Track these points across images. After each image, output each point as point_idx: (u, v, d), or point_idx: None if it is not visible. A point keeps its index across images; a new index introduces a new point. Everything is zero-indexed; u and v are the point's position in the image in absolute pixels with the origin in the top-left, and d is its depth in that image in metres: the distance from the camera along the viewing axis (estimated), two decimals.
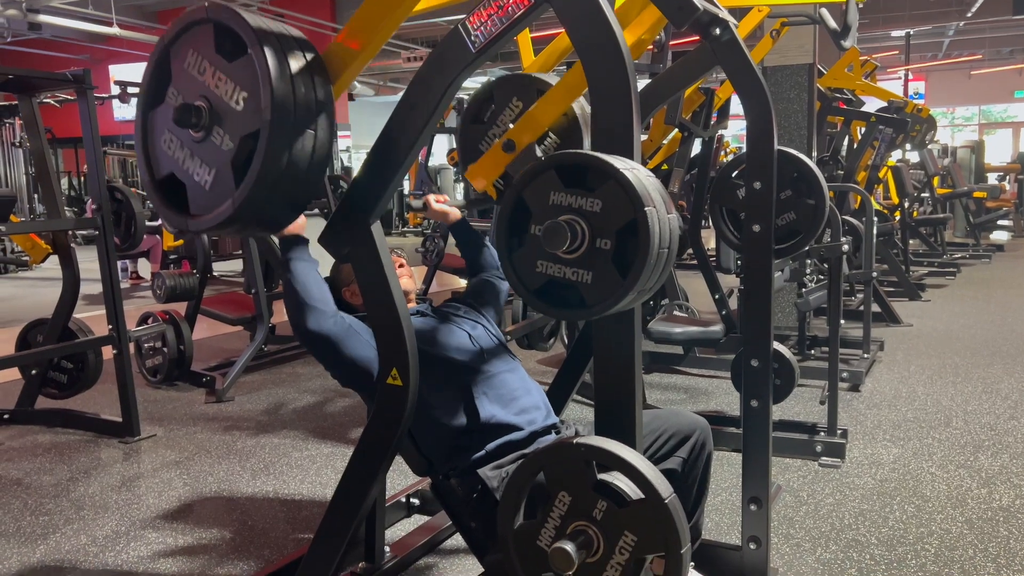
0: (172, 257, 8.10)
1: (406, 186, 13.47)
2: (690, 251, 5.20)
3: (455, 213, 2.33)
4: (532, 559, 1.40)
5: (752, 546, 2.14)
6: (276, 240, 1.96)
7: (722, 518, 2.67)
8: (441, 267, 6.38)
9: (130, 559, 2.53)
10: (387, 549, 2.37)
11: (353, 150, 18.90)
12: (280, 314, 5.53)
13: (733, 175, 2.71)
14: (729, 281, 5.20)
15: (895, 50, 17.35)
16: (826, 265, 3.48)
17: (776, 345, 2.73)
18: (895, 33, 15.68)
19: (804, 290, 4.21)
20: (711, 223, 2.95)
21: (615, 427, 1.43)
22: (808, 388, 4.07)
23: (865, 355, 4.52)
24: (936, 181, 9.80)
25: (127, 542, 2.65)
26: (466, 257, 2.41)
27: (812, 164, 2.53)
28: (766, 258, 2.08)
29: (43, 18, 11.70)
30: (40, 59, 15.37)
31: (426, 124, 1.54)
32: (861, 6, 3.55)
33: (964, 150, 13.05)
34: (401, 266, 2.23)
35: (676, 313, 4.47)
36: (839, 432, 3.21)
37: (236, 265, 8.62)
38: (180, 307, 4.76)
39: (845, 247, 3.27)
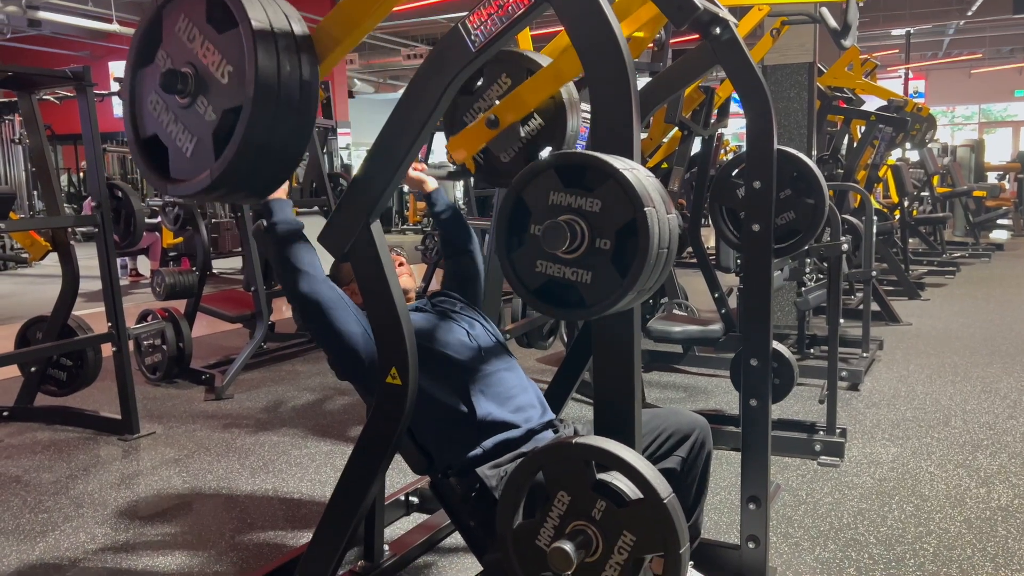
0: (171, 254, 8.07)
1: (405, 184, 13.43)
2: (690, 250, 5.20)
3: (431, 182, 2.34)
4: (531, 558, 1.40)
5: (751, 545, 2.15)
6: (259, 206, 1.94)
7: (721, 517, 2.68)
8: (441, 265, 6.38)
9: (129, 557, 2.53)
10: (386, 547, 2.38)
11: (353, 148, 18.87)
12: (279, 312, 5.53)
13: (733, 174, 2.71)
14: (729, 280, 5.20)
15: (895, 49, 17.35)
16: (825, 264, 3.48)
17: (775, 344, 2.74)
18: (895, 32, 15.68)
19: (803, 289, 4.21)
20: (711, 222, 2.95)
21: (614, 427, 1.43)
22: (807, 387, 4.07)
23: (864, 354, 4.52)
24: (936, 180, 9.81)
25: (126, 539, 2.65)
26: (440, 229, 2.40)
27: (812, 163, 2.53)
28: (765, 257, 2.08)
29: (43, 15, 11.69)
30: (40, 56, 15.35)
31: (426, 123, 1.54)
32: (861, 5, 3.55)
33: (964, 149, 13.05)
34: (401, 264, 2.23)
35: (676, 312, 4.47)
36: (838, 431, 3.22)
37: (235, 262, 8.61)
38: (179, 304, 4.76)
39: (845, 246, 3.27)
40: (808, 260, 4.19)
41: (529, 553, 1.40)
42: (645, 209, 1.22)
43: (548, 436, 1.98)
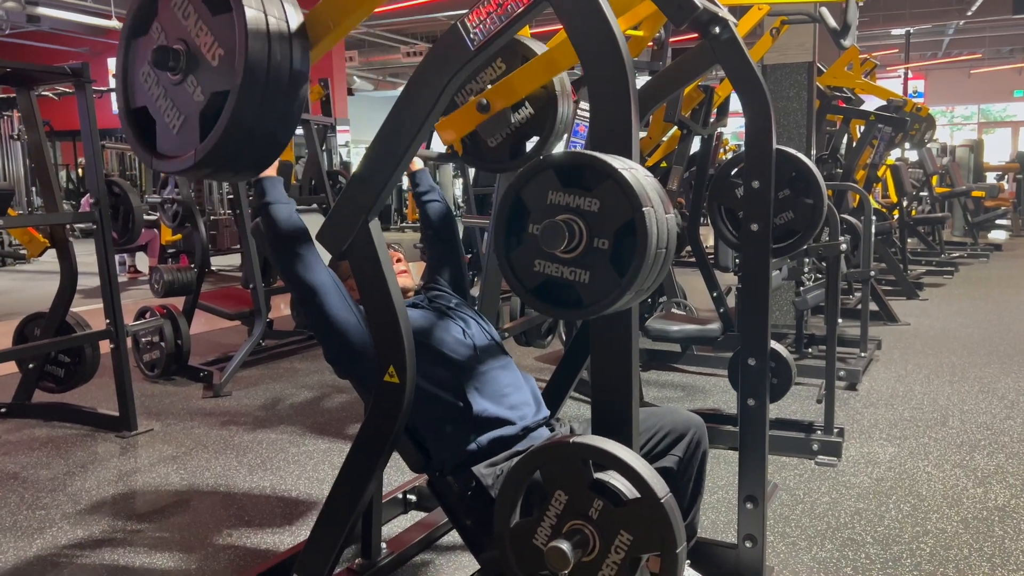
0: (170, 251, 8.08)
1: (405, 181, 13.45)
2: (688, 249, 5.21)
3: (417, 162, 2.35)
4: (528, 557, 1.40)
5: (748, 544, 2.15)
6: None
7: (718, 516, 2.68)
8: None
9: (126, 554, 2.53)
10: (384, 545, 2.38)
11: (352, 145, 18.86)
12: (278, 309, 5.53)
13: (732, 173, 2.71)
14: (727, 279, 5.20)
15: (895, 48, 17.35)
16: (824, 264, 3.49)
17: (773, 344, 2.74)
18: (895, 32, 15.69)
19: (802, 288, 4.22)
20: (709, 221, 2.95)
21: (612, 426, 1.43)
22: (805, 387, 4.08)
23: (862, 354, 4.53)
24: (935, 180, 9.82)
25: (123, 537, 2.65)
26: (421, 210, 2.41)
27: (810, 163, 2.53)
28: (764, 257, 2.09)
29: (42, 10, 11.67)
30: (38, 52, 15.33)
31: (425, 121, 1.54)
32: (861, 4, 3.55)
33: (963, 149, 13.05)
34: (399, 261, 2.23)
35: (674, 311, 4.47)
36: (836, 431, 3.22)
37: (234, 259, 8.62)
38: (178, 301, 4.76)
39: (843, 246, 3.27)
40: (807, 260, 4.19)
41: (526, 552, 1.40)
42: (643, 209, 1.22)
43: (544, 433, 1.98)
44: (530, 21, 1.46)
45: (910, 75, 16.69)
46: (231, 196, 7.34)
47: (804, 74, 5.17)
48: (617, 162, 1.26)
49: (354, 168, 1.88)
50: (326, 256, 1.84)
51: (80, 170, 14.82)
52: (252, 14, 1.42)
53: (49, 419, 3.89)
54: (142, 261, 9.38)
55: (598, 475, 1.34)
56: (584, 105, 2.34)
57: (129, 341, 4.11)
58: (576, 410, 3.72)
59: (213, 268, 8.23)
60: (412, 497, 2.77)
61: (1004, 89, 21.28)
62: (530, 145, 2.40)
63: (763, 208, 2.06)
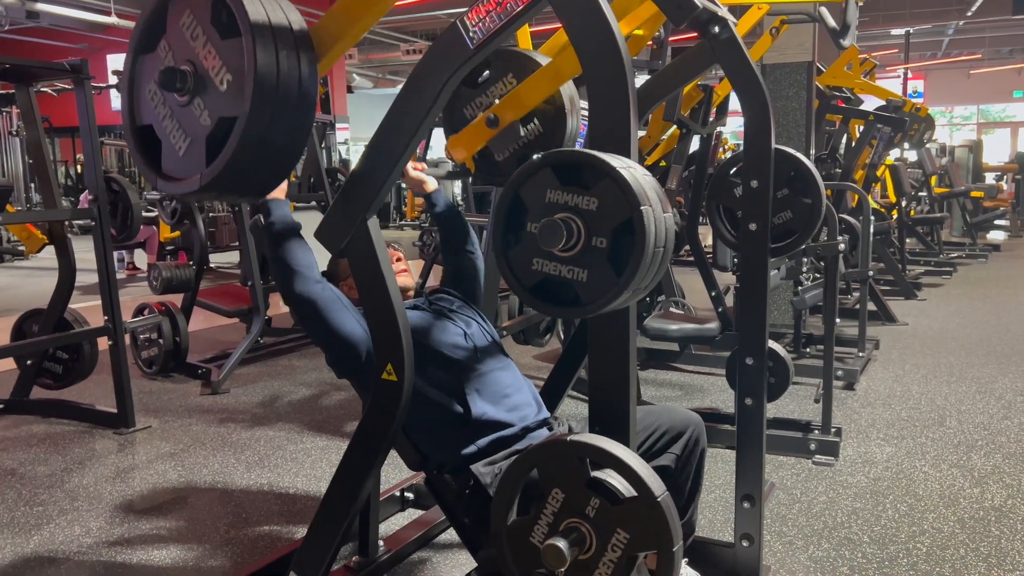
0: (169, 248, 8.09)
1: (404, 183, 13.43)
2: (687, 248, 5.21)
3: (432, 183, 2.32)
4: (525, 555, 1.40)
5: (745, 543, 2.15)
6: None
7: (715, 515, 2.68)
8: (438, 261, 6.38)
9: (124, 550, 2.53)
10: (381, 543, 2.38)
11: (351, 143, 18.85)
12: (276, 306, 5.54)
13: (730, 173, 2.71)
14: (726, 278, 5.20)
15: (894, 48, 17.35)
16: (822, 263, 3.49)
17: (771, 343, 2.74)
18: (895, 31, 15.68)
19: (800, 288, 4.22)
20: (708, 220, 2.95)
21: (609, 425, 1.43)
22: (803, 386, 4.08)
23: (860, 354, 4.53)
24: (934, 180, 9.82)
25: (121, 533, 2.65)
26: (441, 228, 2.39)
27: (809, 163, 2.53)
28: (762, 256, 2.09)
29: (41, 6, 11.64)
30: (38, 48, 15.30)
31: (424, 119, 1.54)
32: (861, 4, 3.55)
33: (962, 149, 13.07)
34: (399, 260, 2.22)
35: (672, 310, 4.47)
36: (833, 430, 3.22)
37: (232, 257, 8.61)
38: (176, 298, 4.75)
39: (841, 246, 3.28)
40: (805, 259, 4.20)
41: (523, 550, 1.40)
42: (641, 208, 1.22)
43: (543, 434, 1.98)
44: (529, 20, 1.46)
45: (909, 75, 16.68)
46: None
47: (803, 74, 5.17)
48: (615, 161, 1.26)
49: (353, 166, 1.87)
50: (325, 255, 1.84)
51: (79, 166, 14.81)
52: (262, 42, 1.39)
53: (47, 415, 3.88)
54: (141, 258, 9.38)
55: (595, 473, 1.34)
56: (584, 104, 2.34)
57: (127, 338, 4.10)
58: (575, 409, 3.72)
59: (212, 265, 8.23)
60: (410, 495, 2.77)
61: (1003, 90, 21.29)
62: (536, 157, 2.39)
63: (762, 208, 2.06)
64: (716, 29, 1.86)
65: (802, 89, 5.17)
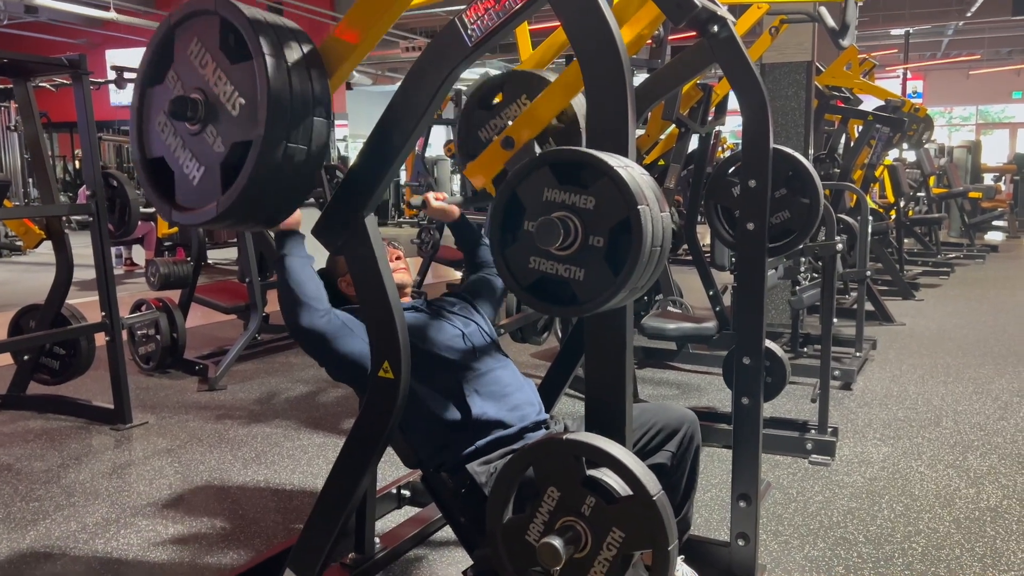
0: (167, 244, 8.08)
1: (403, 176, 13.45)
2: (685, 247, 5.21)
3: (454, 211, 2.32)
4: (520, 554, 1.40)
5: (740, 542, 2.16)
6: (271, 233, 1.97)
7: (711, 514, 2.69)
8: (437, 259, 6.38)
9: (120, 546, 2.53)
10: (377, 540, 2.38)
11: (350, 139, 18.85)
12: (274, 303, 5.54)
13: (728, 172, 2.71)
14: (723, 278, 5.20)
15: (894, 49, 17.35)
16: (820, 263, 3.49)
17: (768, 343, 2.74)
18: (894, 32, 15.69)
19: (798, 288, 4.22)
20: (706, 220, 2.95)
21: (605, 423, 1.43)
22: (800, 386, 4.08)
23: (857, 354, 4.54)
24: (932, 181, 9.82)
25: (117, 529, 2.65)
26: (465, 253, 2.44)
27: (807, 163, 2.53)
28: (760, 256, 2.09)
29: (40, 1, 11.62)
30: (36, 43, 15.26)
31: (422, 116, 1.54)
32: (860, 4, 3.55)
33: (961, 150, 13.06)
34: (398, 258, 2.22)
35: (670, 309, 4.47)
36: (830, 430, 3.23)
37: (231, 253, 8.60)
38: (174, 295, 4.75)
39: (839, 246, 3.28)
40: (803, 259, 4.20)
41: (518, 548, 1.40)
42: (639, 207, 1.22)
43: (540, 434, 1.98)
44: (528, 18, 1.46)
45: (909, 75, 16.69)
46: None
47: (802, 73, 5.17)
48: (613, 160, 1.26)
49: (351, 162, 1.87)
50: (323, 251, 1.84)
51: (77, 162, 14.79)
52: (272, 63, 1.38)
53: (44, 411, 3.88)
54: (138, 254, 9.36)
55: (591, 472, 1.34)
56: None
57: (125, 334, 4.10)
58: (572, 407, 3.72)
59: (209, 262, 8.20)
60: (406, 492, 2.78)
61: (1003, 90, 21.30)
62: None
63: (759, 207, 2.06)
64: (715, 28, 1.85)
65: (801, 89, 5.18)
